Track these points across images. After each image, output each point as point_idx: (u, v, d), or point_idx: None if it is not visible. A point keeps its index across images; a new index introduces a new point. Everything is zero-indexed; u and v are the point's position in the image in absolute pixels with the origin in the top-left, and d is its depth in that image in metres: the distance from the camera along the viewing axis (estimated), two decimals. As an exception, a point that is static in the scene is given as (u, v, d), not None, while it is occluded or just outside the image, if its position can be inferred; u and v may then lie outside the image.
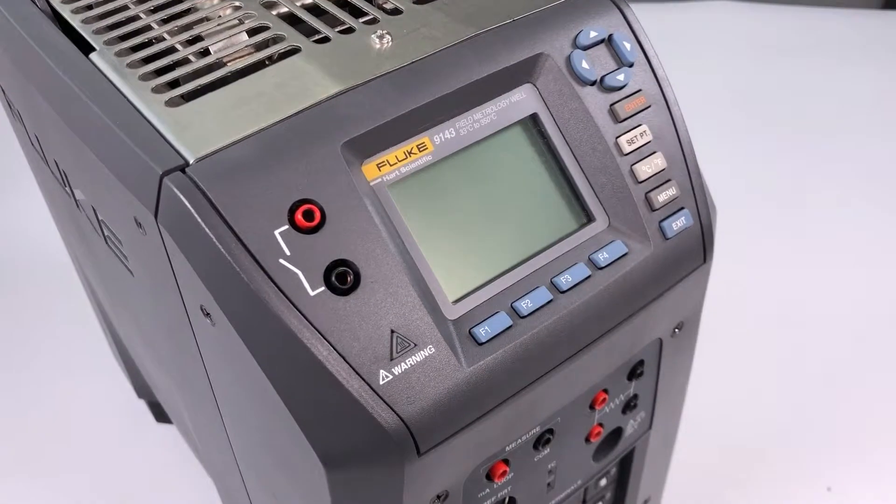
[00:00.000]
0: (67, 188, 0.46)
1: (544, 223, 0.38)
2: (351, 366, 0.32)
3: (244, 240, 0.32)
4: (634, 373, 0.43)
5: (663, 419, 0.49)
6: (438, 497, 0.37)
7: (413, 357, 0.33)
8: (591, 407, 0.42)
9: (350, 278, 0.33)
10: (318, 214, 0.33)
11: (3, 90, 0.52)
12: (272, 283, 0.32)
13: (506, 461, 0.39)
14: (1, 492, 0.69)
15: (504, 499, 0.42)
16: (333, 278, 0.33)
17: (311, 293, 0.32)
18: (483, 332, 0.35)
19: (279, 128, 0.34)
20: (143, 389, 0.72)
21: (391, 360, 0.33)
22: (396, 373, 0.33)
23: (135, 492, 0.69)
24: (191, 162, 0.33)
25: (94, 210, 0.43)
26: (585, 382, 0.39)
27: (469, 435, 0.35)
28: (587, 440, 0.44)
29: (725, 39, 1.26)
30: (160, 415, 0.75)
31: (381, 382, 0.33)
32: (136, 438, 0.74)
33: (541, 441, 0.40)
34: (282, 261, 0.32)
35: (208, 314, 0.34)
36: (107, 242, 0.44)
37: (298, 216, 0.33)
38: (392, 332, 0.33)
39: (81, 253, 0.56)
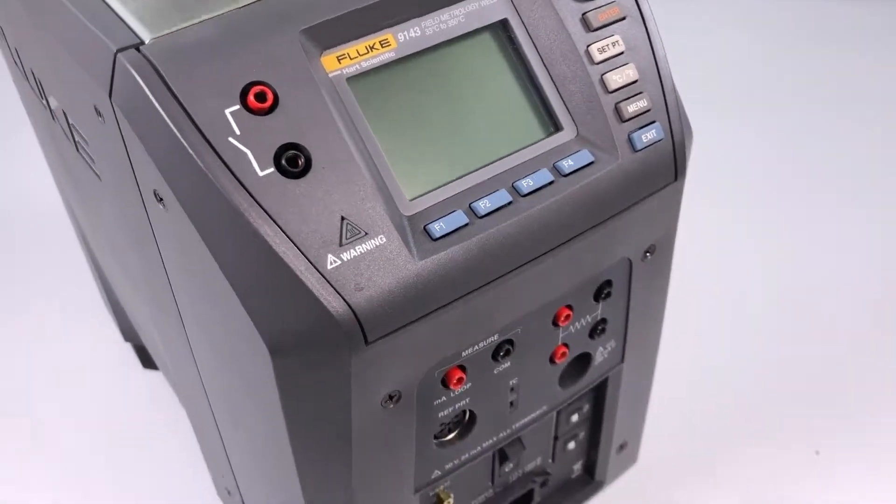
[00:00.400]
0: (44, 100, 0.46)
1: (509, 130, 0.37)
2: (298, 248, 0.32)
3: (194, 118, 0.32)
4: (601, 293, 0.42)
5: (637, 354, 0.48)
6: (391, 398, 0.36)
7: (363, 245, 0.33)
8: (555, 324, 0.41)
9: (301, 162, 0.32)
10: (270, 97, 0.32)
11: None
12: (221, 161, 0.31)
13: (462, 368, 0.38)
14: None
15: (464, 412, 0.41)
16: (284, 161, 0.32)
17: (260, 173, 0.32)
18: (438, 227, 0.34)
19: (238, 13, 0.34)
20: (128, 332, 0.73)
21: (340, 245, 0.33)
22: (345, 258, 0.33)
23: (117, 435, 0.69)
24: (146, 41, 0.33)
25: (65, 114, 0.43)
26: (546, 293, 0.39)
27: (420, 330, 0.34)
28: (552, 361, 0.43)
29: (736, 21, 1.24)
30: (146, 361, 0.75)
31: (329, 267, 0.32)
32: (122, 383, 0.74)
33: (500, 352, 0.39)
34: (231, 140, 0.32)
35: (161, 199, 0.34)
36: (77, 150, 0.44)
37: (251, 97, 0.32)
38: (342, 218, 0.33)
39: (66, 181, 0.56)
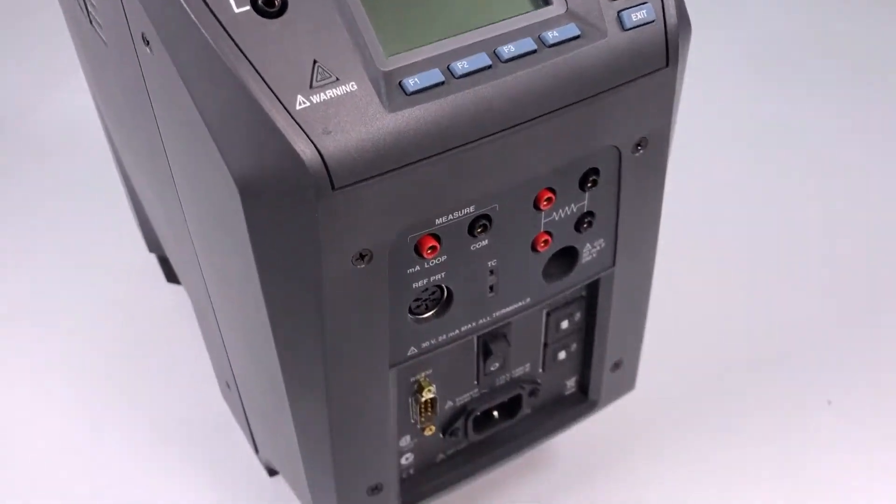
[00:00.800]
0: (65, -23, 0.48)
1: (498, 2, 0.38)
2: (269, 87, 0.33)
3: (176, -46, 0.32)
4: (587, 181, 0.42)
5: (630, 260, 0.48)
6: (362, 256, 0.37)
7: (334, 90, 0.33)
8: (536, 207, 0.41)
9: (277, 1, 0.33)
10: (251, -63, 0.33)
11: None
12: (197, -6, 0.32)
13: (436, 237, 0.39)
14: (11, 334, 0.72)
15: (440, 289, 0.41)
16: (260, 0, 0.33)
17: (236, 10, 0.33)
18: (412, 82, 0.35)
19: None
20: (153, 242, 0.75)
21: (310, 87, 0.33)
22: (314, 101, 0.33)
23: (134, 345, 0.71)
24: None
25: (79, -16, 0.44)
26: (524, 169, 0.39)
27: (389, 184, 0.35)
28: (534, 249, 0.43)
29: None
30: (170, 275, 0.77)
31: (298, 107, 0.33)
32: (145, 295, 0.76)
33: (476, 227, 0.39)
34: (210, -25, 0.33)
35: (147, 41, 0.35)
36: (91, 22, 0.45)
37: (231, -64, 0.33)
38: (315, 61, 0.33)
39: (91, 75, 0.58)
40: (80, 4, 0.46)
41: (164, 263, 0.77)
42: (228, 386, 0.56)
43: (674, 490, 0.60)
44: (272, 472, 0.60)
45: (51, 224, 0.82)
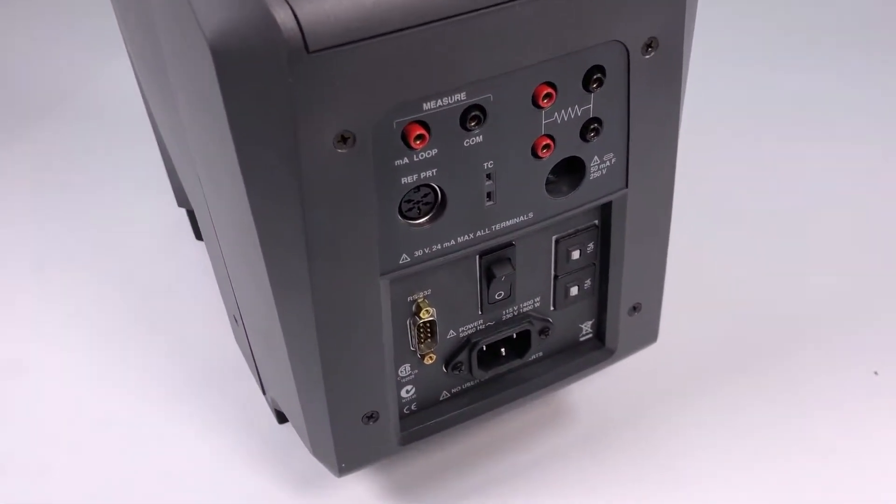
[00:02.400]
0: None
1: None
2: (242, -59, 0.32)
3: None
4: (591, 79, 0.39)
5: (645, 183, 0.45)
6: (343, 139, 0.35)
7: (311, -52, 0.32)
8: (535, 104, 0.39)
9: None
10: None
11: None
12: None
13: (425, 125, 0.37)
14: (44, 279, 0.73)
15: (433, 189, 0.39)
16: None
17: None
18: (396, -54, 0.33)
19: None
20: (181, 196, 0.75)
21: (286, -57, 0.32)
22: (290, -42, 0.32)
23: (159, 298, 0.71)
24: None
25: None
26: (518, 53, 0.36)
27: (369, 53, 0.33)
28: (534, 154, 0.40)
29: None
30: (200, 233, 0.77)
31: (272, -36, 0.32)
32: (173, 250, 0.76)
33: (468, 116, 0.37)
34: None
35: None
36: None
37: None
38: (292, -82, 0.32)
39: (124, 26, 0.59)
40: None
41: (194, 221, 0.77)
42: (236, 321, 0.55)
43: (697, 451, 0.56)
44: (282, 418, 0.59)
45: (94, 183, 0.84)
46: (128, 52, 0.66)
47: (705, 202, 0.74)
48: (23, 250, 0.76)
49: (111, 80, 0.99)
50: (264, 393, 0.57)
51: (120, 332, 0.68)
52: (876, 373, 0.61)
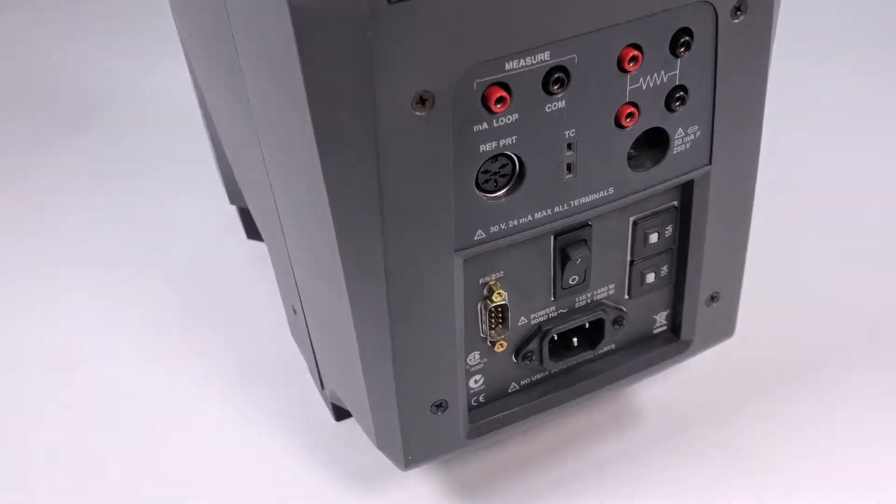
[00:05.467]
0: None
1: None
2: None
3: None
4: (678, 43, 0.37)
5: (729, 161, 0.43)
6: (422, 100, 0.33)
7: None
8: (620, 67, 0.37)
9: None
10: None
11: None
12: None
13: (506, 87, 0.35)
14: (96, 276, 0.72)
15: (510, 157, 0.37)
16: None
17: None
18: None
19: None
20: (233, 193, 0.74)
21: None
22: None
23: (211, 294, 0.70)
24: None
25: None
26: (605, 9, 0.35)
27: (450, 3, 0.31)
28: (618, 124, 0.38)
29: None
30: (250, 231, 0.76)
31: (353, -90, 0.30)
32: (224, 250, 0.75)
33: (551, 80, 0.35)
34: None
35: None
36: None
37: None
38: None
39: (185, 23, 0.58)
40: None
41: (245, 219, 0.76)
42: (295, 311, 0.54)
43: (772, 458, 0.53)
44: (339, 414, 0.57)
45: (145, 183, 0.83)
46: (185, 51, 0.66)
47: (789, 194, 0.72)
48: (76, 249, 0.76)
49: (156, 85, 1.00)
50: (322, 388, 0.56)
51: (173, 328, 0.67)
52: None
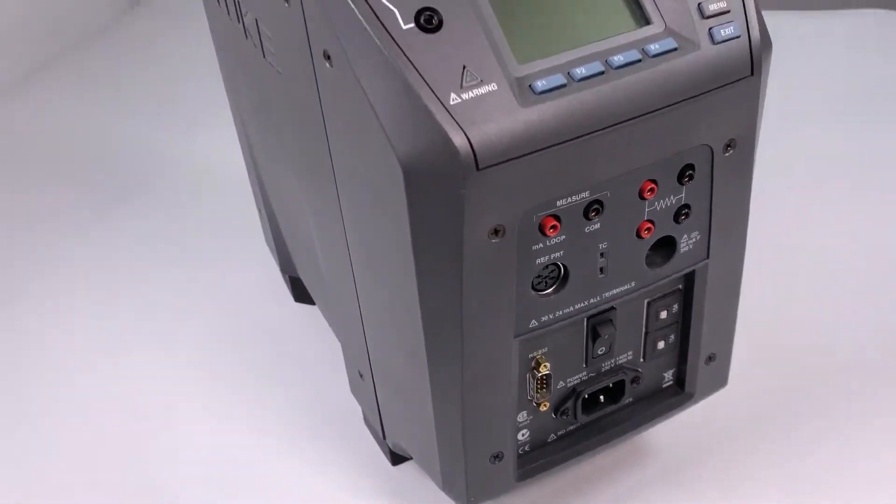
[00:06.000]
0: (241, 22, 0.59)
1: (607, 20, 0.46)
2: (429, 86, 0.41)
3: (357, -14, 0.42)
4: (684, 175, 0.48)
5: (721, 254, 0.54)
6: (496, 231, 0.44)
7: (479, 89, 0.42)
8: (641, 196, 0.48)
9: (435, 20, 0.42)
10: (415, -28, 0.42)
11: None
12: (374, 15, 0.41)
13: (557, 218, 0.46)
14: (149, 341, 0.82)
15: (558, 265, 0.48)
16: (422, 19, 0.42)
17: (403, 27, 0.41)
18: (540, 84, 0.43)
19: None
20: (286, 264, 0.84)
21: (461, 87, 0.41)
22: (464, 98, 0.41)
23: (263, 360, 0.79)
24: (325, -66, 0.43)
25: (257, 24, 0.54)
26: (631, 159, 0.46)
27: (520, 167, 0.43)
28: (638, 235, 0.50)
29: (878, 45, 1.27)
30: (299, 295, 0.86)
31: (451, 103, 0.41)
32: (274, 313, 0.85)
33: (590, 210, 0.47)
34: (384, 0, 0.41)
35: (328, 57, 0.44)
36: (264, 55, 0.55)
37: (400, -29, 0.42)
38: (464, 66, 0.42)
39: (246, 108, 0.69)
40: (255, 43, 0.56)
41: (294, 286, 0.86)
42: (361, 376, 0.64)
43: (765, 491, 0.64)
44: (395, 460, 0.67)
45: (193, 252, 0.93)
46: (242, 130, 0.76)
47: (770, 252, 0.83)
48: (134, 312, 0.85)
49: (198, 157, 1.09)
50: (383, 438, 0.66)
51: (232, 383, 0.76)
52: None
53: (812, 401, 0.70)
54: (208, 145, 1.10)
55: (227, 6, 0.62)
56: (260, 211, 0.85)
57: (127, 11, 1.57)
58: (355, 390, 0.68)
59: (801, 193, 0.95)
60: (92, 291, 0.88)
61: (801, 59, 1.21)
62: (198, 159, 1.10)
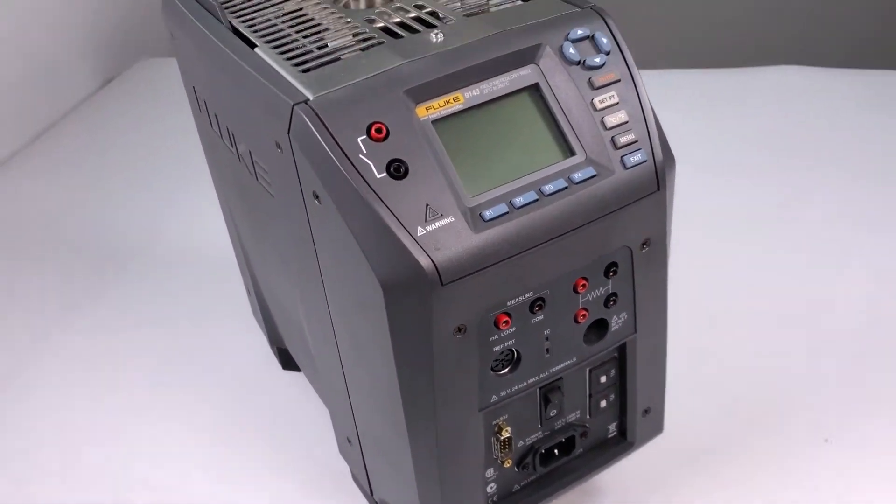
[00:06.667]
0: (234, 147, 0.69)
1: (538, 154, 0.57)
2: (400, 222, 0.52)
3: (339, 143, 0.52)
4: (609, 270, 0.59)
5: (647, 329, 0.65)
6: (459, 329, 0.55)
7: (440, 222, 0.52)
8: (575, 290, 0.59)
9: (402, 170, 0.52)
10: (385, 130, 0.53)
11: (194, 91, 0.76)
12: (354, 168, 0.52)
13: (508, 314, 0.57)
14: (143, 424, 0.90)
15: (511, 350, 0.59)
16: (392, 169, 0.52)
17: (378, 176, 0.52)
18: (488, 213, 0.53)
19: (365, 81, 0.55)
20: (273, 335, 0.93)
21: (426, 221, 0.52)
22: (429, 230, 0.52)
23: (257, 425, 0.88)
24: (310, 98, 0.54)
25: (250, 154, 0.64)
26: (565, 265, 0.57)
27: (477, 280, 0.53)
28: (575, 321, 0.60)
29: (796, 99, 1.40)
30: (286, 363, 0.95)
31: (419, 235, 0.52)
32: (264, 381, 0.94)
33: (535, 305, 0.57)
34: (361, 156, 0.52)
35: (317, 196, 0.54)
36: (257, 179, 0.66)
37: (373, 131, 0.53)
38: (427, 205, 0.52)
39: (236, 207, 0.79)
40: (248, 168, 0.67)
41: (281, 355, 0.95)
42: (349, 441, 0.74)
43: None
44: (383, 513, 0.77)
45: (184, 325, 1.02)
46: (231, 218, 0.86)
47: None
48: (129, 382, 0.94)
49: (179, 232, 1.18)
50: (371, 494, 0.75)
51: (231, 446, 0.85)
52: (826, 440, 0.80)
53: (731, 441, 0.81)
54: (189, 219, 1.20)
55: (219, 130, 0.72)
56: (248, 290, 0.95)
57: (98, 90, 1.65)
58: (344, 453, 0.78)
59: (706, 243, 1.06)
60: (88, 371, 0.96)
61: (722, 117, 1.34)
62: (179, 234, 1.18)
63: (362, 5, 0.69)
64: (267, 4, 0.68)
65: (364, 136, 0.53)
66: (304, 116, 0.53)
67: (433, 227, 0.52)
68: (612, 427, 0.71)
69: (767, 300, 0.97)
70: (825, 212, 1.12)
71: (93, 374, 0.96)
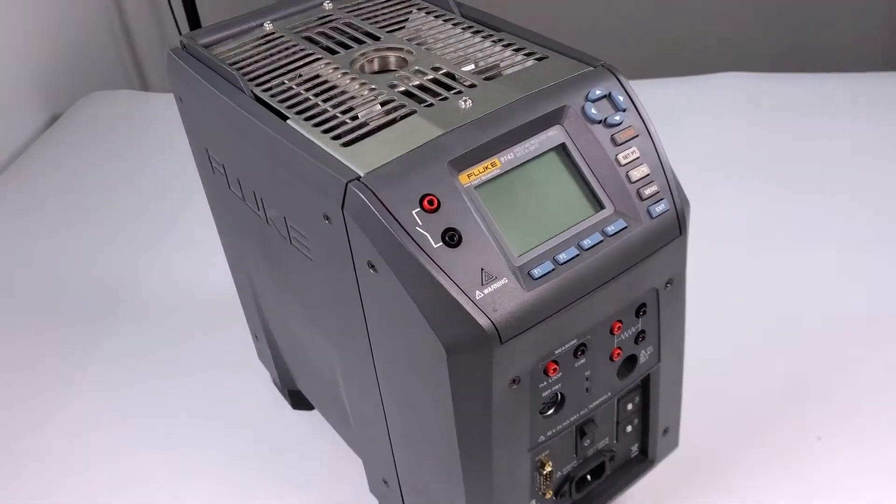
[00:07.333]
0: (261, 211, 0.71)
1: (572, 210, 0.61)
2: (459, 287, 0.55)
3: (396, 217, 0.55)
4: (640, 311, 0.64)
5: (668, 356, 0.70)
6: (514, 381, 0.59)
7: (495, 284, 0.56)
8: (612, 333, 0.63)
9: (456, 238, 0.56)
10: (436, 202, 0.56)
11: (207, 152, 0.77)
12: (413, 241, 0.55)
13: (556, 362, 0.61)
14: (154, 470, 0.91)
15: (557, 393, 0.63)
16: (447, 238, 0.55)
17: (435, 246, 0.55)
18: (536, 271, 0.57)
19: (410, 154, 0.58)
20: (284, 379, 0.95)
21: (482, 284, 0.55)
22: (486, 292, 0.55)
23: (271, 464, 0.90)
24: (362, 175, 0.57)
25: (285, 219, 0.67)
26: (605, 311, 0.61)
27: (530, 335, 0.57)
28: (611, 359, 0.65)
29: (732, 105, 1.46)
30: (297, 403, 0.97)
31: (477, 298, 0.55)
32: (275, 422, 0.96)
33: (578, 351, 0.61)
34: (417, 228, 0.55)
35: (373, 266, 0.57)
36: (291, 242, 0.68)
37: (425, 203, 0.56)
38: (482, 269, 0.56)
39: (255, 262, 0.80)
40: (279, 232, 0.69)
41: (291, 395, 0.97)
42: (386, 483, 0.77)
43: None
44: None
45: (189, 370, 1.03)
46: (243, 273, 0.87)
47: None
48: (135, 427, 0.95)
49: (166, 274, 1.18)
50: (409, 532, 0.79)
51: (252, 490, 0.87)
52: (819, 438, 0.87)
53: (729, 435, 0.87)
54: (168, 261, 1.19)
55: (240, 193, 0.74)
56: (255, 335, 0.96)
57: (48, 127, 1.62)
58: (378, 493, 0.81)
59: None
60: (101, 427, 0.97)
61: (670, 125, 1.40)
62: (165, 277, 1.18)
63: (376, 67, 0.71)
64: (282, 70, 0.70)
65: (418, 209, 0.56)
66: (360, 193, 0.55)
67: (489, 289, 0.56)
68: (635, 448, 0.76)
69: (760, 304, 1.02)
70: (803, 214, 1.18)
71: (105, 431, 0.96)
